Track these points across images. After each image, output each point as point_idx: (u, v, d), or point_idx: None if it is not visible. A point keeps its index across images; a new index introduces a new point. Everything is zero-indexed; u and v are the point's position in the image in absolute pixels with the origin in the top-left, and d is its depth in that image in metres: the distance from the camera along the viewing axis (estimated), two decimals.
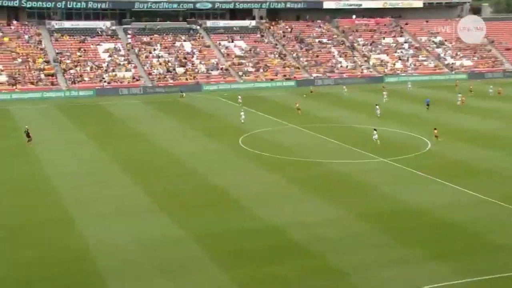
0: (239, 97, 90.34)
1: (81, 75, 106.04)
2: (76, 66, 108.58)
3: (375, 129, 62.38)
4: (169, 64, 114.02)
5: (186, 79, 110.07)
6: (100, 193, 46.76)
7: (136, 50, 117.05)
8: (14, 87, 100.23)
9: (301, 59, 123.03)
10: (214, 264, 33.43)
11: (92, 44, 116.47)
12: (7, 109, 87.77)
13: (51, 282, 31.93)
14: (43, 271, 33.03)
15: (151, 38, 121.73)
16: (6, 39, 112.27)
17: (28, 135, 63.71)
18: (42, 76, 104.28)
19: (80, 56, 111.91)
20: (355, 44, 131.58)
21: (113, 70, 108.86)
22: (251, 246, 36.01)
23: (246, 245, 36.20)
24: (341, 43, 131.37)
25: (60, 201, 44.83)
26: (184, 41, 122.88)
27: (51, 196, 46.20)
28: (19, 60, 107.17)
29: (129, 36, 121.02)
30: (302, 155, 58.34)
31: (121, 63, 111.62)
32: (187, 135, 68.97)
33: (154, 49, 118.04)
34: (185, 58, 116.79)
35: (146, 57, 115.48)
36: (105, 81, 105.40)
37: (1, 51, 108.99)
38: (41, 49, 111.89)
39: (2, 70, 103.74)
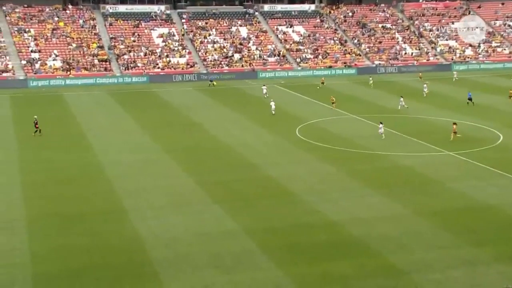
0: (264, 87, 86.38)
1: (134, 61, 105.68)
2: (129, 51, 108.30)
3: (381, 122, 60.09)
4: (225, 50, 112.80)
5: (242, 65, 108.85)
6: (153, 183, 46.21)
7: (191, 35, 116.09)
8: (68, 72, 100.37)
9: (363, 45, 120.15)
10: (268, 259, 32.82)
11: (146, 29, 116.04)
12: (61, 95, 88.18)
13: (103, 271, 31.75)
14: (94, 261, 32.95)
15: (206, 23, 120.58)
16: (61, 24, 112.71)
17: (36, 126, 61.69)
18: (96, 61, 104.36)
19: (134, 41, 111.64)
20: (422, 30, 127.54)
21: (167, 56, 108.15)
22: (308, 242, 35.24)
23: (302, 241, 35.43)
24: (406, 28, 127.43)
25: (112, 190, 44.66)
26: (240, 26, 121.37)
27: (103, 185, 46.03)
28: (74, 45, 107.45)
29: (183, 20, 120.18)
30: (363, 146, 56.68)
31: (175, 48, 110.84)
32: (242, 124, 67.83)
33: (209, 34, 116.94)
34: (241, 43, 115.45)
35: (201, 42, 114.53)
36: (158, 67, 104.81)
37: (57, 36, 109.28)
38: (95, 34, 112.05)
39: (57, 55, 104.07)
